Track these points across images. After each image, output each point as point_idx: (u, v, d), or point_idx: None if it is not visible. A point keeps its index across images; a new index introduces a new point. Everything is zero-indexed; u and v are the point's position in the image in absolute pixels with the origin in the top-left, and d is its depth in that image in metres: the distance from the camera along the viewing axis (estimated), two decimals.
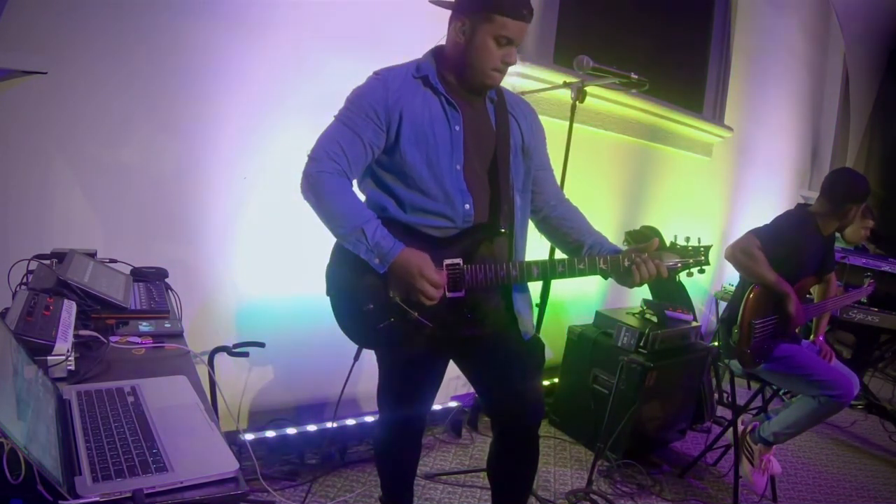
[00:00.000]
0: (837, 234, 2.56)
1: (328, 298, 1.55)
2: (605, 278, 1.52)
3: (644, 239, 1.53)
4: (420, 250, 1.42)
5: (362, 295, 1.49)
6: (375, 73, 1.50)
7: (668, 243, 1.54)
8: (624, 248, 1.53)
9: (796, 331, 2.36)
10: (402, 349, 1.55)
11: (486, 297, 1.53)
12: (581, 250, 1.58)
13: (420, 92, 1.48)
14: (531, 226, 1.67)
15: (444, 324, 1.48)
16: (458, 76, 1.50)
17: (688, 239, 1.54)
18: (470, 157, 1.50)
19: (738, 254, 2.29)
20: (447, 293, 1.45)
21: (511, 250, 1.56)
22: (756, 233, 2.33)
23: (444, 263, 1.45)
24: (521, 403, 1.57)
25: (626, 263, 1.47)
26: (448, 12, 1.51)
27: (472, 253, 1.49)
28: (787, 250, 2.30)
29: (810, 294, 2.61)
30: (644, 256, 1.46)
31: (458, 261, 1.47)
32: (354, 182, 1.52)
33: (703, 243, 1.54)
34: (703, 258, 1.54)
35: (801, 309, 2.31)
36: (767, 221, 2.43)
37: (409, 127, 1.44)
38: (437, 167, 1.46)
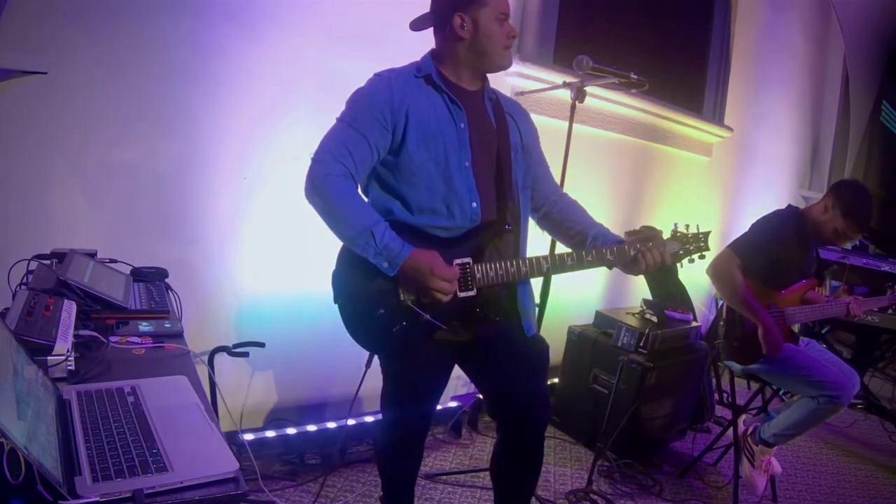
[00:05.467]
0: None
1: (334, 305, 1.54)
2: (611, 268, 1.57)
3: None
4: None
5: (372, 300, 1.47)
6: (377, 75, 1.50)
7: (669, 233, 1.61)
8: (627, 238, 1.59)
9: (794, 330, 2.36)
10: (409, 354, 1.55)
11: (494, 293, 1.54)
12: (585, 243, 1.61)
13: (423, 91, 1.48)
14: (531, 222, 1.69)
15: (457, 324, 1.49)
16: (469, 71, 1.52)
17: (687, 227, 1.61)
18: (476, 155, 1.50)
19: (719, 272, 2.27)
20: (458, 293, 1.45)
21: (517, 247, 1.58)
22: (735, 248, 2.29)
23: (454, 263, 1.46)
24: (528, 405, 1.57)
25: (632, 253, 1.52)
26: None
27: (481, 251, 1.49)
28: (771, 256, 2.28)
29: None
30: (648, 245, 1.52)
31: (468, 260, 1.47)
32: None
33: (701, 230, 1.61)
34: (703, 244, 1.61)
35: (774, 338, 2.24)
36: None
37: (415, 126, 1.44)
38: (445, 165, 1.46)
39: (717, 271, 2.28)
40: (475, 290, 1.47)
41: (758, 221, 2.40)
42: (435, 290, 1.41)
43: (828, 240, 2.39)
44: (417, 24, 1.58)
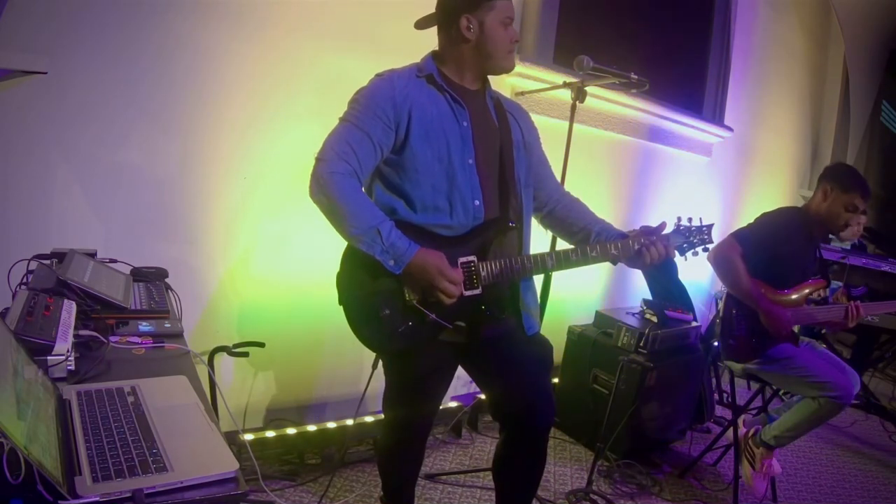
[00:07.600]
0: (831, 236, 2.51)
1: (335, 304, 1.53)
2: (615, 263, 1.59)
3: None
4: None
5: (377, 301, 1.47)
6: (378, 75, 1.50)
7: (672, 226, 1.63)
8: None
9: (794, 330, 2.36)
10: (414, 354, 1.55)
11: (499, 291, 1.54)
12: (588, 239, 1.62)
13: (425, 90, 1.49)
14: (533, 221, 1.70)
15: (462, 323, 1.49)
16: (472, 72, 1.53)
17: (690, 220, 1.62)
18: (479, 152, 1.51)
19: (720, 259, 2.28)
20: (464, 292, 1.46)
21: (521, 244, 1.58)
22: (738, 237, 2.30)
23: (459, 262, 1.46)
24: (532, 405, 1.57)
25: (636, 247, 1.53)
26: None
27: (485, 250, 1.50)
28: (773, 254, 2.28)
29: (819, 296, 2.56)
30: (652, 239, 1.53)
31: (472, 258, 1.48)
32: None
33: (705, 222, 1.63)
34: (706, 236, 1.63)
35: (778, 321, 2.26)
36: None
37: (418, 124, 1.45)
38: (448, 162, 1.47)
39: (718, 258, 2.29)
40: (480, 289, 1.48)
41: (761, 217, 2.40)
42: (440, 291, 1.41)
43: (838, 225, 2.35)
44: (422, 24, 1.58)
